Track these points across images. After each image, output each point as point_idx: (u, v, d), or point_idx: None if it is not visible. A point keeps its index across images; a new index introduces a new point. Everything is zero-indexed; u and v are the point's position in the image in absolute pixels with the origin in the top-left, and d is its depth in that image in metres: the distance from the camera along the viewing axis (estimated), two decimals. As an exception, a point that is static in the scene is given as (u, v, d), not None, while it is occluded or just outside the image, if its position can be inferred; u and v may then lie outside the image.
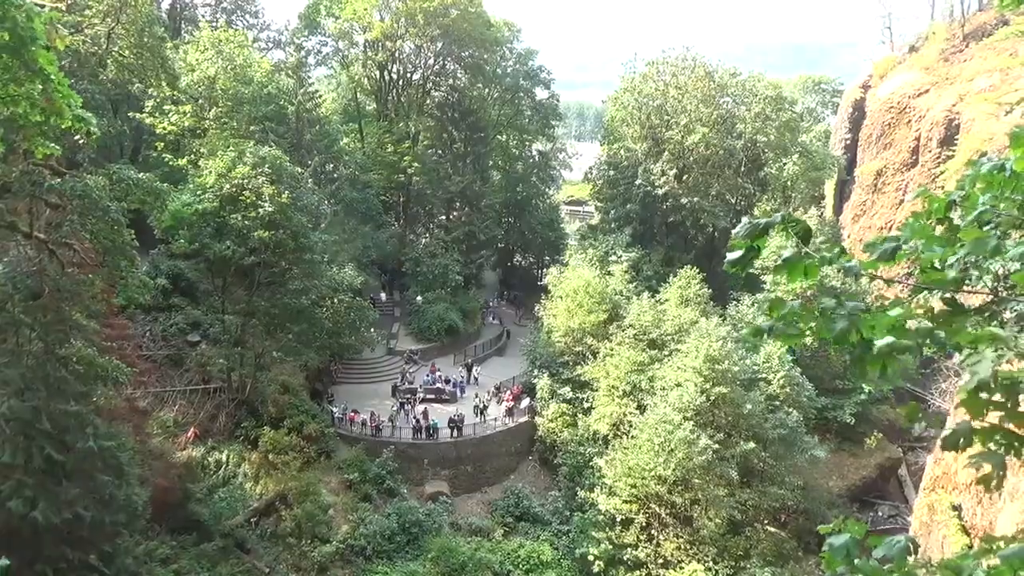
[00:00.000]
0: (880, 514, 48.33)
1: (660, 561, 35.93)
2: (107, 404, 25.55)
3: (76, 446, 23.11)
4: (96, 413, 24.16)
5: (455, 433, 42.45)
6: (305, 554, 33.31)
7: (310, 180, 43.66)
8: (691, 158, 62.02)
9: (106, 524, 24.23)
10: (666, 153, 62.29)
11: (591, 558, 35.88)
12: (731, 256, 5.03)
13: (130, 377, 25.71)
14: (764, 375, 41.57)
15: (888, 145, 61.03)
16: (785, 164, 61.33)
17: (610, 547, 36.19)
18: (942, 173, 54.08)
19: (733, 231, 5.06)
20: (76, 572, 23.43)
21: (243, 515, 33.39)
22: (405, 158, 60.02)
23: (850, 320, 4.37)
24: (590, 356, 45.46)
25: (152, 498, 26.72)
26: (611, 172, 68.41)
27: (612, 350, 43.62)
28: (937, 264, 4.61)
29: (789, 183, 65.39)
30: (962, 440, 4.52)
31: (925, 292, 4.74)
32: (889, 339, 4.25)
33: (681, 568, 34.93)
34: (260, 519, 34.11)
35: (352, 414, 42.48)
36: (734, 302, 48.72)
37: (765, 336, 4.89)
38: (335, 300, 43.13)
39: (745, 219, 5.02)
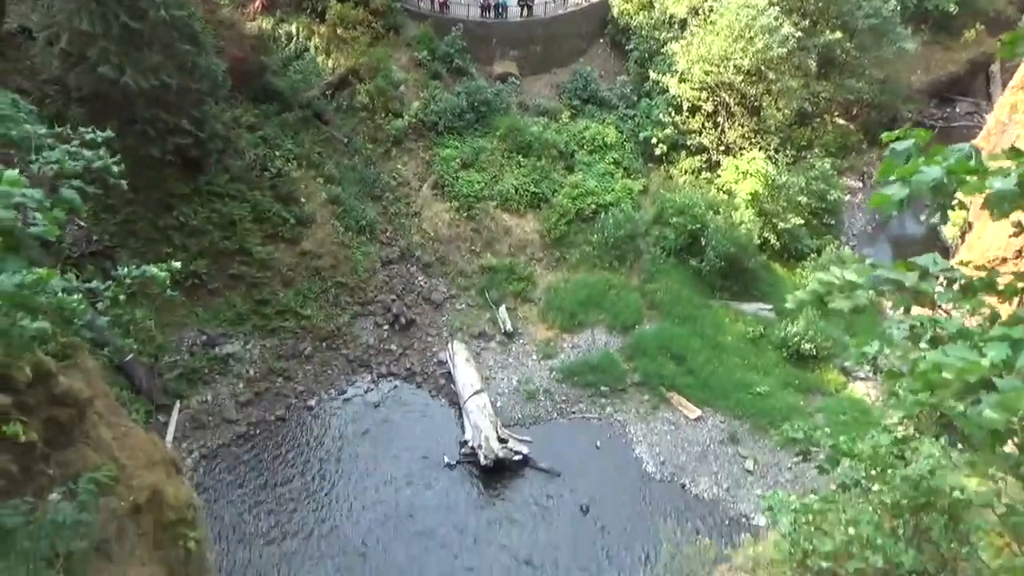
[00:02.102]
0: (958, 111, 47.20)
1: (722, 148, 36.76)
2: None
3: (149, 14, 23.26)
4: (161, -19, 23.77)
5: (525, 12, 40.87)
6: (380, 127, 35.06)
7: None
8: None
9: (191, 91, 25.52)
10: None
11: (654, 141, 36.85)
12: None
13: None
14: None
15: None
16: None
17: (674, 132, 36.86)
18: None
19: None
20: (171, 134, 25.41)
21: (318, 88, 34.50)
22: None
23: None
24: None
25: (230, 69, 27.54)
26: None
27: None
28: None
29: None
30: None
31: None
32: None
33: (742, 155, 35.81)
34: (335, 92, 35.26)
35: (418, -12, 40.80)
36: None
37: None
38: None
39: None
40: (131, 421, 16.20)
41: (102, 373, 16.55)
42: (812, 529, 6.55)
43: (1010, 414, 3.47)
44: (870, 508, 6.28)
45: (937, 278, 4.51)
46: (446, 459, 24.95)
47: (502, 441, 24.68)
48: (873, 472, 6.44)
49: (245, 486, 23.59)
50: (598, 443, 26.06)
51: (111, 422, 14.59)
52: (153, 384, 24.66)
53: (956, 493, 6.23)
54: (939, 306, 4.68)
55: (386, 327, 29.57)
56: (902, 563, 5.72)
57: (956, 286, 4.61)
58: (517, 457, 24.64)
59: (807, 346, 28.69)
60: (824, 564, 6.40)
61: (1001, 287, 4.63)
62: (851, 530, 6.18)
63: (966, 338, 4.28)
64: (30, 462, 11.38)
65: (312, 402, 26.61)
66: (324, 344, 28.39)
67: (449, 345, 28.70)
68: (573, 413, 27.19)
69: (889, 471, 6.32)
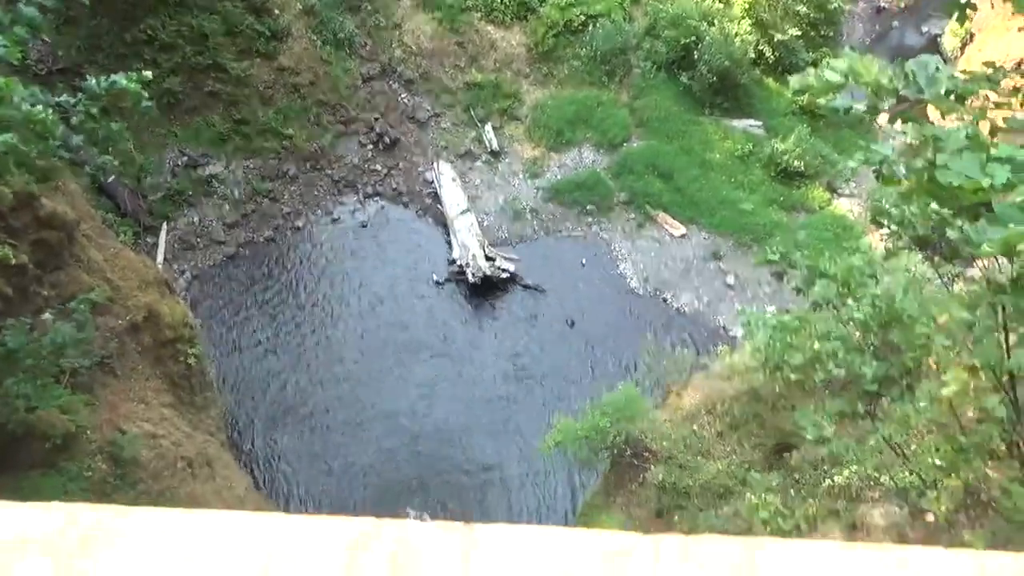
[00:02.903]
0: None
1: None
2: None
3: None
4: None
5: None
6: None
7: None
8: None
9: None
10: None
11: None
12: None
13: None
14: None
15: None
16: None
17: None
18: None
19: None
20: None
21: None
22: None
23: None
24: None
25: None
26: None
27: None
28: None
29: None
30: None
31: None
32: None
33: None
34: None
35: None
36: None
37: None
38: None
39: None
40: (120, 243, 16.37)
41: (86, 196, 16.47)
42: (785, 344, 6.89)
43: (1006, 252, 3.28)
44: (840, 324, 6.57)
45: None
46: (434, 277, 25.50)
47: (489, 259, 25.12)
48: (845, 291, 6.66)
49: (238, 304, 24.23)
50: (583, 261, 26.59)
51: (100, 244, 14.72)
52: (138, 206, 24.56)
53: (924, 320, 6.45)
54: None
55: (370, 146, 29.05)
56: (864, 374, 6.08)
57: (953, 97, 4.30)
58: (504, 275, 25.19)
59: (796, 163, 28.56)
60: (793, 377, 6.79)
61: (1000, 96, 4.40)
62: (819, 344, 6.50)
63: (975, 147, 3.93)
64: (24, 283, 11.61)
65: (300, 223, 26.69)
66: (308, 165, 28.00)
67: (435, 164, 28.39)
68: (559, 231, 27.49)
69: (861, 289, 6.55)
